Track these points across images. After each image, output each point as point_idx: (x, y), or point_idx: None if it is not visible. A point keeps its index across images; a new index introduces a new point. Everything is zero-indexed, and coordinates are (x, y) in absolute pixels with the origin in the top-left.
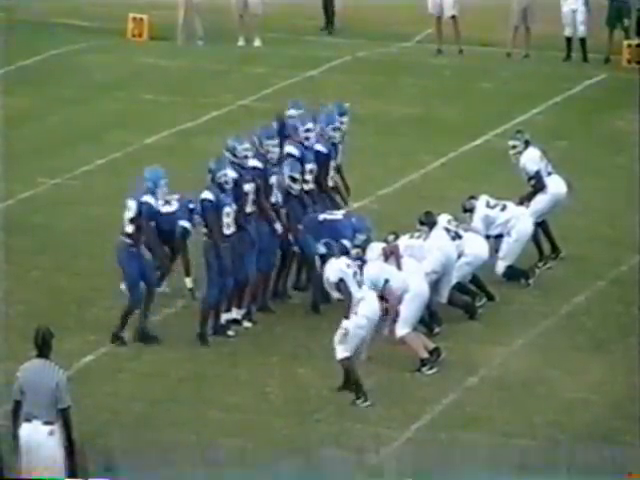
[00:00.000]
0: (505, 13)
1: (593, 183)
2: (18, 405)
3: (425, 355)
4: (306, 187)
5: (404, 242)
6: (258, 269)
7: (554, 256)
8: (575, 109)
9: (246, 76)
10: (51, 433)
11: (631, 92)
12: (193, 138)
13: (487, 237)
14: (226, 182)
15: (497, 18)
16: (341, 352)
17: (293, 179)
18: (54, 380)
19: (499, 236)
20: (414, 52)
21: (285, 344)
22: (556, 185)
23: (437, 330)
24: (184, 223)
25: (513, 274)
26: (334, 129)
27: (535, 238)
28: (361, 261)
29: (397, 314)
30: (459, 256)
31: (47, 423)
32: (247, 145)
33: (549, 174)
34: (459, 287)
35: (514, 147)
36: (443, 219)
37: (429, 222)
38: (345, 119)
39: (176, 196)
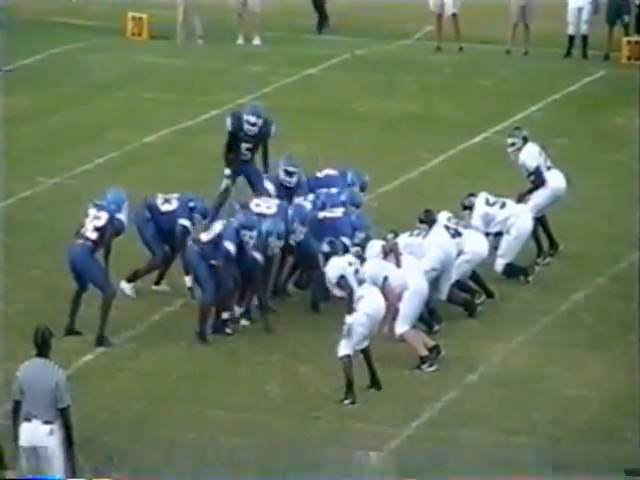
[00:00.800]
0: (504, 10)
1: (592, 180)
2: (18, 405)
3: (425, 353)
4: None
5: (403, 240)
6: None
7: (552, 251)
8: (574, 106)
9: (245, 74)
10: (51, 432)
11: (631, 89)
12: (193, 137)
13: (486, 234)
14: None
15: (496, 15)
16: (343, 349)
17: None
18: (53, 379)
19: (498, 234)
20: (413, 50)
21: (285, 342)
22: (556, 180)
23: (437, 328)
24: (184, 222)
25: (512, 271)
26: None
27: (535, 234)
28: (360, 259)
29: (396, 312)
30: (459, 254)
31: (47, 422)
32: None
33: (548, 169)
34: (459, 284)
35: (513, 144)
36: (443, 217)
37: (429, 220)
38: (254, 118)
39: (176, 195)
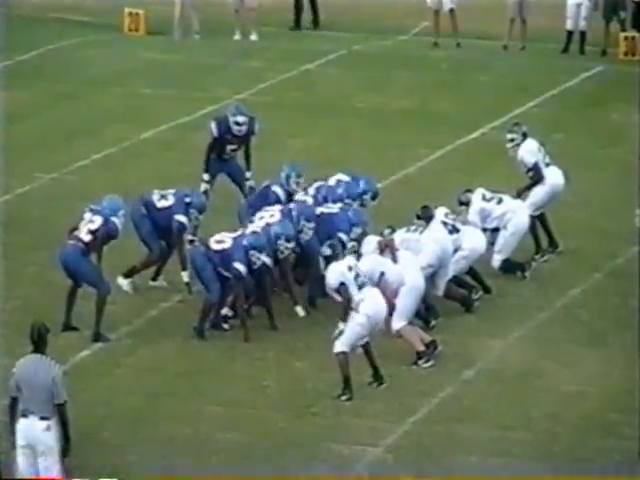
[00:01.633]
0: (501, 5)
1: (590, 176)
2: (14, 401)
3: (422, 348)
4: None
5: (400, 235)
6: None
7: (552, 250)
8: (572, 102)
9: (243, 70)
10: (48, 428)
11: (628, 85)
12: (190, 132)
13: (483, 230)
14: None
15: (493, 11)
16: (339, 346)
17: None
18: (50, 375)
19: (495, 229)
20: (411, 45)
21: (282, 338)
22: (554, 176)
23: (433, 323)
24: (180, 217)
25: (509, 267)
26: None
27: (533, 231)
28: (356, 254)
29: (393, 307)
30: (456, 249)
31: (43, 418)
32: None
33: (547, 165)
34: (456, 280)
35: (512, 140)
36: (440, 212)
37: (426, 216)
38: (241, 118)
39: (172, 191)
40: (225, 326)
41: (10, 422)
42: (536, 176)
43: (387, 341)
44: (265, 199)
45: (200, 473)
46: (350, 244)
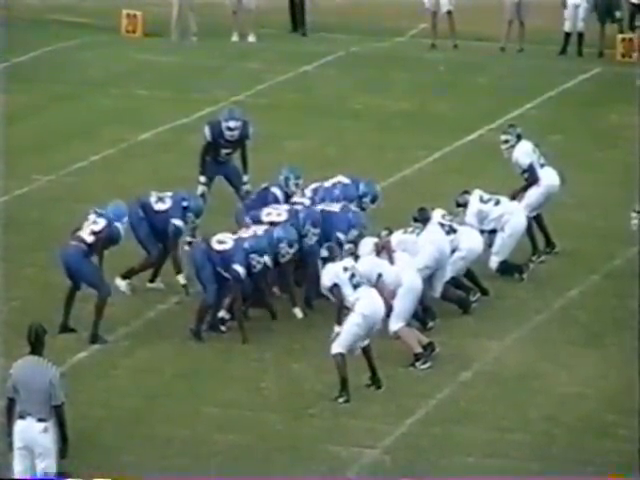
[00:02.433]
0: (499, 7)
1: (587, 177)
2: (12, 402)
3: (419, 350)
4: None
5: (397, 237)
6: None
7: (548, 251)
8: (570, 103)
9: (240, 72)
10: (45, 430)
11: (625, 86)
12: (188, 134)
13: (481, 232)
14: None
15: (491, 13)
16: (336, 347)
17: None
18: (47, 377)
19: (492, 231)
20: (408, 47)
21: (279, 339)
22: (549, 177)
23: (431, 324)
24: (177, 222)
25: (507, 269)
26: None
27: (529, 232)
28: (353, 256)
29: (390, 309)
30: (453, 250)
31: (41, 420)
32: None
33: (542, 166)
34: (453, 282)
35: (506, 141)
36: (437, 214)
37: (423, 219)
38: (233, 123)
39: (169, 194)
40: (222, 328)
41: (7, 424)
42: (531, 177)
43: (384, 343)
44: (264, 200)
45: (197, 474)
46: (347, 246)
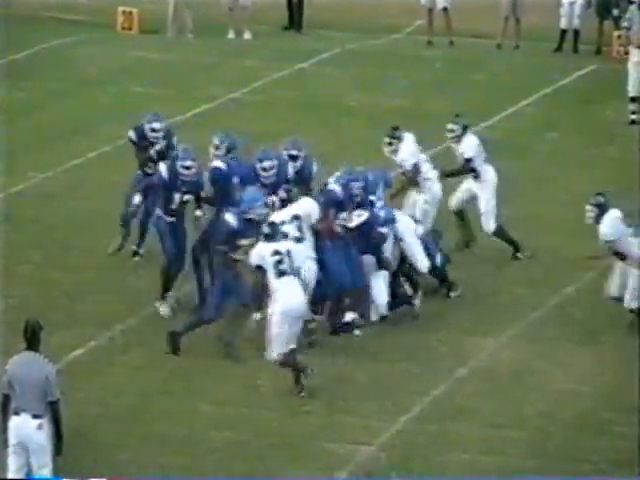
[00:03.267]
0: (495, 4)
1: (583, 174)
2: (7, 398)
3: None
4: None
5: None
6: None
7: (471, 242)
8: (566, 100)
9: (236, 69)
10: (40, 427)
11: (622, 83)
12: (184, 131)
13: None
14: None
15: (487, 9)
16: (270, 355)
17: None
18: (43, 373)
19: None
20: (405, 44)
21: None
22: (489, 174)
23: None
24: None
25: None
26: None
27: (501, 234)
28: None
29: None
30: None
31: (36, 416)
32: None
33: (484, 162)
34: (436, 271)
35: (452, 131)
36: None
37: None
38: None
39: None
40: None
41: (2, 420)
42: (469, 169)
43: (379, 339)
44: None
45: (194, 472)
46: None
